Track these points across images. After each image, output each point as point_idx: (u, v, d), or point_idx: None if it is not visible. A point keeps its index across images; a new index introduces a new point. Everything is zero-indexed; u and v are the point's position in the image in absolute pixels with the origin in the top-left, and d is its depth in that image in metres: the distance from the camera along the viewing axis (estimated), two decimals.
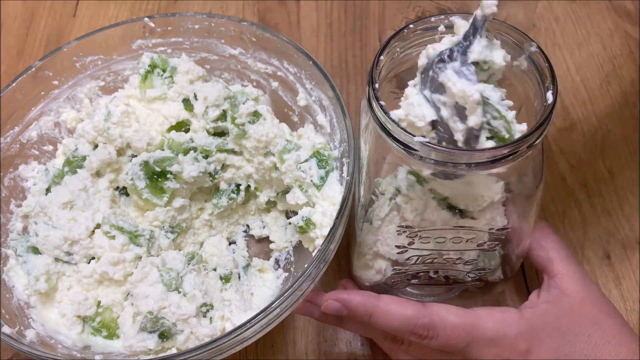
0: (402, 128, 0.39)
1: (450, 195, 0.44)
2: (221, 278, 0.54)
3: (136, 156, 0.55)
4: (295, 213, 0.53)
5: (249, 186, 0.59)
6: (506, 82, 0.45)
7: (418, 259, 0.48)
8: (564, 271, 0.47)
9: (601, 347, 0.43)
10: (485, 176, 0.43)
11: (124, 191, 0.57)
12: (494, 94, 0.39)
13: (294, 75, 0.59)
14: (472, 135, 0.38)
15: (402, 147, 0.39)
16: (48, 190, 0.57)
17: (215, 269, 0.55)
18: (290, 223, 0.56)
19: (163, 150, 0.55)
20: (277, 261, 0.59)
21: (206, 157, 0.56)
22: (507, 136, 0.39)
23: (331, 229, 0.46)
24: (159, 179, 0.54)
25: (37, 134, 0.59)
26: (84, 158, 0.56)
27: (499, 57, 0.40)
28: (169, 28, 0.61)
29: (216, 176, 0.57)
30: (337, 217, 0.46)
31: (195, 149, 0.56)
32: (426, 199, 0.44)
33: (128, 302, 0.52)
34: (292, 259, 0.59)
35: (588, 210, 0.62)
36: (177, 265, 0.50)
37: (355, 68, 0.74)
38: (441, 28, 0.44)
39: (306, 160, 0.53)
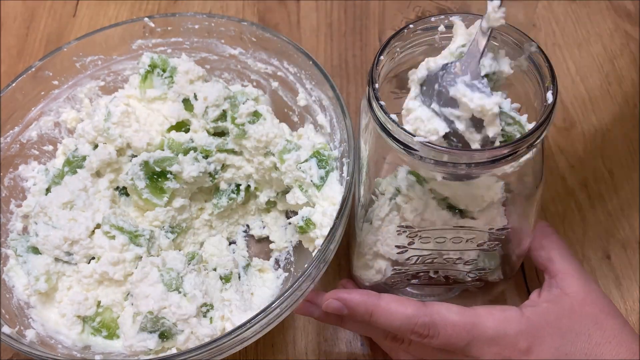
0: (402, 128, 0.39)
1: (450, 195, 0.44)
2: (221, 278, 0.54)
3: (136, 156, 0.55)
4: (295, 213, 0.53)
5: (249, 186, 0.59)
6: (506, 82, 0.45)
7: (418, 259, 0.48)
8: (565, 271, 0.47)
9: (602, 347, 0.43)
10: (491, 176, 0.43)
11: (124, 191, 0.57)
12: (505, 102, 0.39)
13: (294, 75, 0.59)
14: (487, 142, 0.39)
15: (402, 147, 0.39)
16: (48, 190, 0.57)
17: (215, 269, 0.55)
18: (290, 223, 0.56)
19: (163, 150, 0.55)
20: (277, 261, 0.59)
21: (206, 157, 0.56)
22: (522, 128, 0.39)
23: (331, 229, 0.46)
24: (159, 179, 0.54)
25: (37, 134, 0.59)
26: (84, 158, 0.56)
27: (506, 66, 0.41)
28: (169, 28, 0.61)
29: (216, 176, 0.57)
30: (337, 217, 0.46)
31: (195, 149, 0.56)
32: (426, 199, 0.44)
33: (128, 302, 0.52)
34: (292, 259, 0.59)
35: (588, 210, 0.62)
36: (178, 265, 0.50)
37: (355, 68, 0.74)
38: (441, 28, 0.44)
39: (306, 160, 0.53)
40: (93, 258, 0.53)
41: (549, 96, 0.40)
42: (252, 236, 0.61)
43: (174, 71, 0.58)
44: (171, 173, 0.54)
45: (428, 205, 0.44)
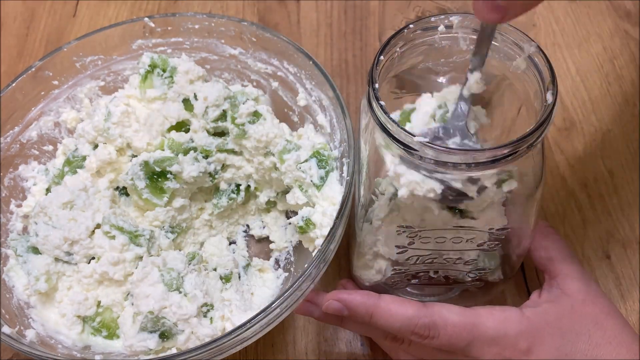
0: (402, 128, 0.39)
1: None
2: (221, 278, 0.54)
3: (136, 156, 0.55)
4: (295, 213, 0.53)
5: (249, 186, 0.59)
6: (506, 82, 0.45)
7: (418, 259, 0.48)
8: (565, 271, 0.47)
9: (602, 348, 0.43)
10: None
11: (124, 191, 0.57)
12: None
13: (294, 75, 0.59)
14: (483, 189, 0.41)
15: (402, 147, 0.39)
16: (48, 190, 0.57)
17: (215, 269, 0.55)
18: (290, 223, 0.56)
19: (163, 150, 0.55)
20: (277, 261, 0.59)
21: (206, 157, 0.56)
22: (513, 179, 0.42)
23: (331, 229, 0.46)
24: (159, 179, 0.54)
25: (37, 134, 0.59)
26: (84, 158, 0.56)
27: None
28: (169, 28, 0.61)
29: (216, 176, 0.57)
30: (337, 217, 0.46)
31: (195, 149, 0.56)
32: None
33: (128, 302, 0.52)
34: (292, 259, 0.59)
35: (588, 210, 0.62)
36: (178, 265, 0.50)
37: (355, 68, 0.74)
38: (441, 28, 0.44)
39: (306, 160, 0.53)
40: (93, 258, 0.53)
41: (549, 96, 0.40)
42: (252, 236, 0.61)
43: (174, 71, 0.58)
44: (171, 173, 0.54)
45: (428, 206, 0.44)
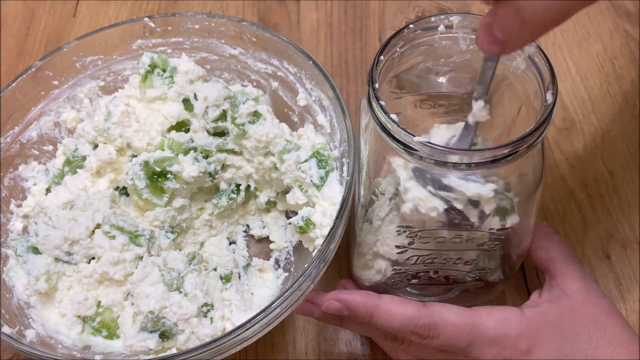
0: (402, 128, 0.39)
1: None
2: (221, 278, 0.54)
3: (136, 156, 0.55)
4: (295, 213, 0.53)
5: (249, 186, 0.59)
6: (506, 82, 0.45)
7: (418, 259, 0.48)
8: (565, 271, 0.47)
9: (602, 348, 0.43)
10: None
11: (124, 191, 0.57)
12: (499, 183, 0.41)
13: (294, 75, 0.59)
14: (485, 215, 0.42)
15: (402, 147, 0.39)
16: (48, 190, 0.57)
17: (215, 269, 0.55)
18: (290, 223, 0.56)
19: (163, 150, 0.55)
20: (277, 261, 0.59)
21: (206, 157, 0.56)
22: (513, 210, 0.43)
23: (331, 229, 0.46)
24: (159, 179, 0.54)
25: (37, 134, 0.59)
26: (84, 158, 0.56)
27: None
28: (169, 28, 0.61)
29: (216, 176, 0.57)
30: (337, 217, 0.46)
31: (195, 149, 0.56)
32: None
33: (128, 302, 0.52)
34: (292, 259, 0.59)
35: (588, 210, 0.62)
36: (179, 265, 0.50)
37: (355, 68, 0.74)
38: (441, 28, 0.44)
39: (306, 161, 0.53)
40: (93, 258, 0.53)
41: (549, 96, 0.40)
42: (252, 236, 0.61)
43: (174, 71, 0.58)
44: (171, 173, 0.54)
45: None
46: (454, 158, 0.38)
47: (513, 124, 0.47)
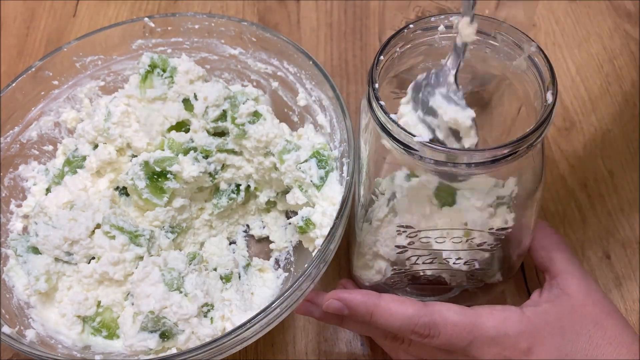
0: (402, 128, 0.39)
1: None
2: (222, 278, 0.54)
3: (136, 156, 0.55)
4: (295, 213, 0.53)
5: (249, 186, 0.59)
6: (506, 82, 0.45)
7: (418, 258, 0.48)
8: (565, 271, 0.47)
9: (602, 348, 0.43)
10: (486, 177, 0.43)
11: (124, 191, 0.57)
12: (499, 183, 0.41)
13: (294, 75, 0.59)
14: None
15: (402, 147, 0.39)
16: (48, 190, 0.57)
17: (215, 269, 0.55)
18: (290, 223, 0.56)
19: (163, 150, 0.55)
20: (277, 261, 0.59)
21: (206, 157, 0.56)
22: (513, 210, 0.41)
23: (331, 229, 0.46)
24: (159, 179, 0.54)
25: (37, 134, 0.59)
26: (84, 158, 0.56)
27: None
28: (169, 28, 0.61)
29: (216, 176, 0.57)
30: (337, 217, 0.46)
31: (195, 149, 0.56)
32: (424, 201, 0.44)
33: (128, 302, 0.52)
34: (292, 259, 0.59)
35: (588, 210, 0.62)
36: (179, 265, 0.50)
37: (355, 68, 0.74)
38: (441, 28, 0.44)
39: (306, 161, 0.53)
40: (93, 258, 0.53)
41: (549, 96, 0.40)
42: (252, 236, 0.61)
43: (174, 71, 0.58)
44: (171, 173, 0.54)
45: (427, 206, 0.44)
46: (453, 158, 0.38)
47: (513, 124, 0.47)
